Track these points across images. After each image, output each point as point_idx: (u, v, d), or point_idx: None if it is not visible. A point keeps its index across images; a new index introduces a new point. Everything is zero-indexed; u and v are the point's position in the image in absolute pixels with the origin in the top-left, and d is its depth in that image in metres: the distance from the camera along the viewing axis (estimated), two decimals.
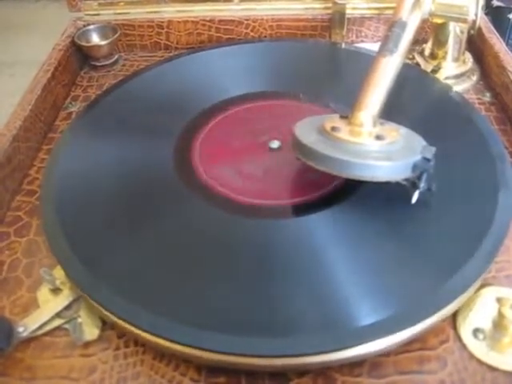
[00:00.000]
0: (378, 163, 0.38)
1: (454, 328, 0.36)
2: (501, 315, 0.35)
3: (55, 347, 0.37)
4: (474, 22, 0.53)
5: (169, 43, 0.66)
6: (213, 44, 0.65)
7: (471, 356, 0.35)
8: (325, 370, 0.35)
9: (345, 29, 0.64)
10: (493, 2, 1.25)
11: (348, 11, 0.63)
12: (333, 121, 0.42)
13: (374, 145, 0.40)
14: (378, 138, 0.40)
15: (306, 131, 0.42)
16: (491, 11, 1.24)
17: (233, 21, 0.65)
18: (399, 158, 0.39)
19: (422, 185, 0.39)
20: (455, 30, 0.56)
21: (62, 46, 0.61)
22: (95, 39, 0.64)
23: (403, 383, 0.34)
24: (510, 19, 1.23)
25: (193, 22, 0.65)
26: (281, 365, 0.34)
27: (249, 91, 0.54)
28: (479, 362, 0.35)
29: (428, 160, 0.39)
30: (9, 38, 1.67)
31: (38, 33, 1.60)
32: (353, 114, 0.42)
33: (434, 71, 0.57)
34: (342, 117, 0.43)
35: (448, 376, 0.34)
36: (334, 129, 0.41)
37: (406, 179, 0.39)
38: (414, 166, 0.39)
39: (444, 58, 0.58)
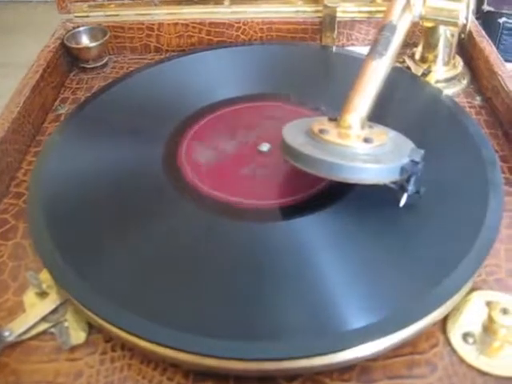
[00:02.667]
0: (366, 166, 0.38)
1: (444, 332, 0.36)
2: (490, 319, 0.34)
3: (41, 351, 0.37)
4: (465, 25, 0.53)
5: (159, 46, 0.66)
6: (203, 47, 0.65)
7: (461, 360, 0.35)
8: (314, 375, 0.34)
9: (335, 32, 0.64)
10: (483, 7, 1.25)
11: (339, 14, 0.63)
12: (321, 123, 0.42)
13: (362, 147, 0.40)
14: (367, 140, 0.40)
15: (294, 133, 0.42)
16: (482, 16, 1.24)
17: (223, 23, 0.64)
18: (387, 161, 0.39)
19: (411, 188, 0.39)
20: (446, 34, 0.56)
21: (52, 47, 0.60)
22: (85, 41, 0.64)
23: None
24: (500, 24, 1.24)
25: (183, 24, 0.65)
26: (269, 369, 0.33)
27: (239, 94, 0.54)
28: (469, 366, 0.34)
29: (416, 163, 0.39)
30: (1, 39, 1.66)
31: (30, 34, 1.59)
32: (341, 117, 0.42)
33: (424, 75, 0.57)
34: (330, 119, 0.43)
35: (438, 381, 0.34)
36: (322, 131, 0.41)
37: (395, 182, 0.39)
38: (402, 169, 0.39)
39: (434, 61, 0.58)
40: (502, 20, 1.24)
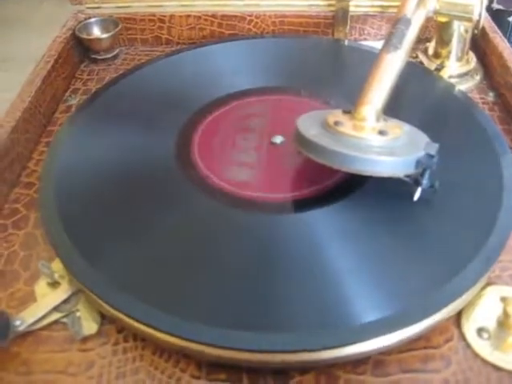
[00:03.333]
0: (380, 158, 0.38)
1: (459, 327, 0.36)
2: (506, 314, 0.34)
3: (53, 341, 0.36)
4: (478, 21, 0.53)
5: (170, 38, 0.66)
6: (215, 39, 0.64)
7: (475, 355, 0.35)
8: (328, 368, 0.34)
9: (348, 26, 0.63)
10: (493, 5, 1.24)
11: (351, 9, 0.62)
12: (336, 115, 0.42)
13: (376, 140, 0.40)
14: (381, 133, 0.40)
15: (308, 125, 0.42)
16: (491, 14, 1.23)
17: (235, 16, 0.64)
18: (402, 154, 0.39)
19: (425, 182, 0.39)
20: (459, 30, 0.56)
21: (63, 38, 0.60)
22: (96, 32, 0.64)
23: (407, 382, 0.33)
24: (510, 22, 1.23)
25: (195, 16, 0.64)
26: (281, 361, 0.33)
27: (251, 87, 0.54)
28: (484, 361, 0.34)
29: (431, 156, 0.38)
30: (3, 33, 1.66)
31: (34, 29, 1.59)
32: (356, 109, 0.41)
33: (437, 70, 0.57)
34: (345, 111, 0.42)
35: (452, 375, 0.34)
36: (336, 123, 0.40)
37: (409, 176, 0.39)
38: (418, 162, 0.38)
39: (447, 57, 0.58)
40: (511, 18, 1.23)
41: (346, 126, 0.40)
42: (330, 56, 0.60)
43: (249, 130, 0.49)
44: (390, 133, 0.40)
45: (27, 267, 0.41)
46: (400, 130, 0.41)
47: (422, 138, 0.41)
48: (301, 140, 0.40)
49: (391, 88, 0.42)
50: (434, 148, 0.39)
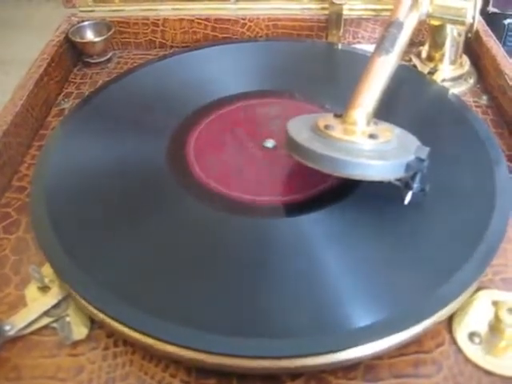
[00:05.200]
0: (370, 162, 0.38)
1: (450, 331, 0.36)
2: (497, 319, 0.34)
3: (43, 346, 0.36)
4: (472, 25, 0.53)
5: (164, 41, 0.66)
6: (208, 43, 0.64)
7: (467, 360, 0.34)
8: (318, 373, 0.34)
9: (341, 30, 0.63)
10: (488, 8, 1.24)
11: (345, 12, 0.62)
12: (326, 119, 0.42)
13: (367, 144, 0.39)
14: (372, 137, 0.40)
15: (299, 129, 0.41)
16: (486, 17, 1.23)
17: (229, 20, 0.64)
18: (392, 158, 0.38)
19: (416, 185, 0.39)
20: (452, 33, 0.56)
21: (56, 41, 0.60)
22: (89, 36, 0.63)
23: None
24: (505, 25, 1.23)
25: (188, 20, 0.64)
26: (273, 367, 0.33)
27: (244, 90, 0.54)
28: (475, 366, 0.34)
29: (422, 160, 0.38)
30: (3, 35, 1.66)
31: (32, 31, 1.59)
32: (347, 113, 0.41)
33: (431, 73, 0.57)
34: (335, 115, 0.42)
35: (443, 380, 0.33)
36: (327, 127, 0.40)
37: (399, 179, 0.39)
38: (408, 166, 0.38)
39: (441, 60, 0.58)
40: (507, 21, 1.23)
41: (337, 130, 0.40)
42: (323, 59, 0.60)
43: (241, 134, 0.48)
44: (380, 136, 0.40)
45: (18, 271, 0.41)
46: (391, 134, 0.41)
47: (413, 142, 0.41)
48: (291, 144, 0.40)
49: (382, 91, 0.42)
50: (424, 152, 0.39)
